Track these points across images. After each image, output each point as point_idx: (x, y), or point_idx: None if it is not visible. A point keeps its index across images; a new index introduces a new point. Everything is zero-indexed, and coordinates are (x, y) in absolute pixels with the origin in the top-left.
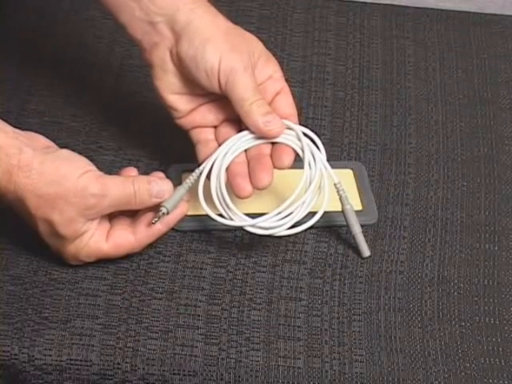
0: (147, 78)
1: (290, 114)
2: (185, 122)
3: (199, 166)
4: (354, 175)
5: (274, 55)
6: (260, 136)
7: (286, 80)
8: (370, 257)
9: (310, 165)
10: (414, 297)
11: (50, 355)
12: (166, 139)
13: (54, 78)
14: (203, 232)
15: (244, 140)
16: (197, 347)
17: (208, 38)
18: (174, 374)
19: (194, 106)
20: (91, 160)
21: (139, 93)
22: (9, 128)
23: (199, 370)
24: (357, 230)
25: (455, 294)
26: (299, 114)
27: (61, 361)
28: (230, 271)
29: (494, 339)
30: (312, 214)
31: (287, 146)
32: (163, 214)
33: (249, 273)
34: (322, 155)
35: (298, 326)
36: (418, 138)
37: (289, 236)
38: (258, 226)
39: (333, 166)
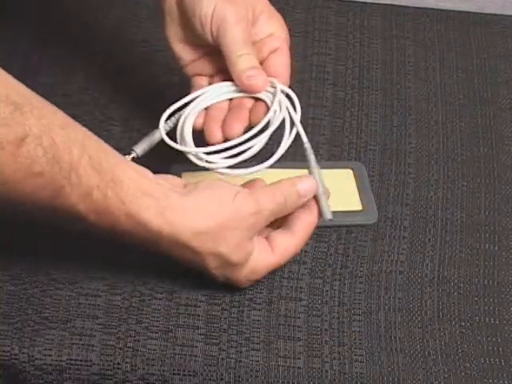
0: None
1: (280, 74)
2: (188, 69)
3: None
4: (354, 175)
5: None
6: (242, 89)
7: None
8: (370, 256)
9: (275, 112)
10: (414, 297)
11: (50, 355)
12: None
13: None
14: None
15: (226, 89)
16: (197, 347)
17: None
18: (173, 374)
19: (197, 57)
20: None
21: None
22: (149, 173)
23: (199, 370)
24: (320, 190)
25: (455, 293)
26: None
27: (61, 361)
28: None
29: (493, 339)
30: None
31: (265, 102)
32: (133, 157)
33: None
34: (296, 115)
35: (298, 326)
36: (418, 137)
37: (229, 176)
38: (199, 157)
39: (333, 166)
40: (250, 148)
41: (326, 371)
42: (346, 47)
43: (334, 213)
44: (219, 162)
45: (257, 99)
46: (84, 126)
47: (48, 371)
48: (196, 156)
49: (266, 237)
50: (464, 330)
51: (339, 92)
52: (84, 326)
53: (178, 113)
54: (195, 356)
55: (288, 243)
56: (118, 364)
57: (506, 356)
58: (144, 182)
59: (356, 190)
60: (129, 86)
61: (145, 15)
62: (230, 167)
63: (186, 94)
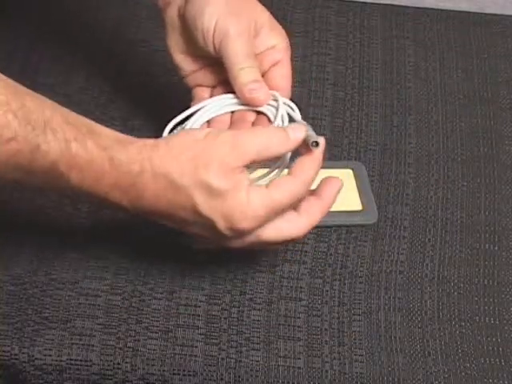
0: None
1: (281, 86)
2: (189, 80)
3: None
4: (354, 175)
5: None
6: (244, 102)
7: None
8: (370, 256)
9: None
10: (414, 297)
11: (50, 355)
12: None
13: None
14: None
15: (228, 101)
16: (197, 347)
17: (210, 0)
18: (174, 373)
19: (198, 67)
20: None
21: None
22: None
23: (199, 370)
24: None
25: (455, 293)
26: (300, 109)
27: (61, 361)
28: (230, 271)
29: (494, 339)
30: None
31: (266, 115)
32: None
33: (249, 273)
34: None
35: (298, 326)
36: (417, 138)
37: None
38: None
39: (333, 166)
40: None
41: (326, 371)
42: (346, 47)
43: (333, 213)
44: None
45: (259, 112)
46: None
47: (48, 371)
48: None
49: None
50: (464, 330)
51: (339, 92)
52: (84, 325)
53: (181, 126)
54: (195, 356)
55: (285, 181)
56: (118, 364)
57: (506, 356)
58: (120, 134)
59: (356, 190)
60: (129, 86)
61: (145, 15)
62: None
63: (188, 107)
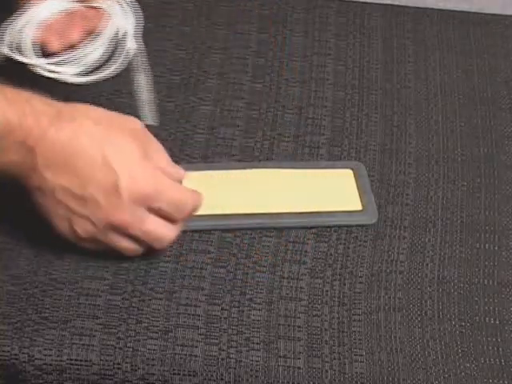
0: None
1: None
2: None
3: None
4: (354, 175)
5: (274, 55)
6: None
7: (286, 80)
8: (370, 256)
9: (112, 20)
10: (414, 297)
11: (50, 355)
12: (167, 139)
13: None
14: (203, 232)
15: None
16: (197, 347)
17: None
18: (173, 374)
19: None
20: None
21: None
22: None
23: (199, 370)
24: (144, 97)
25: (455, 293)
26: (300, 109)
27: (61, 361)
28: (230, 271)
29: (494, 339)
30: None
31: (99, 8)
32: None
33: (249, 273)
34: (129, 22)
35: (298, 326)
36: (417, 138)
37: (77, 85)
38: (44, 68)
39: (333, 166)
40: (90, 54)
41: (326, 371)
42: (346, 47)
43: (333, 213)
44: (63, 70)
45: (97, 8)
46: None
47: (48, 371)
48: (40, 67)
49: None
50: (464, 330)
51: (339, 92)
52: (84, 325)
53: (15, 27)
54: (195, 356)
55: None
56: (118, 364)
57: (506, 356)
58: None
59: (356, 190)
60: (128, 85)
61: (145, 15)
62: (75, 75)
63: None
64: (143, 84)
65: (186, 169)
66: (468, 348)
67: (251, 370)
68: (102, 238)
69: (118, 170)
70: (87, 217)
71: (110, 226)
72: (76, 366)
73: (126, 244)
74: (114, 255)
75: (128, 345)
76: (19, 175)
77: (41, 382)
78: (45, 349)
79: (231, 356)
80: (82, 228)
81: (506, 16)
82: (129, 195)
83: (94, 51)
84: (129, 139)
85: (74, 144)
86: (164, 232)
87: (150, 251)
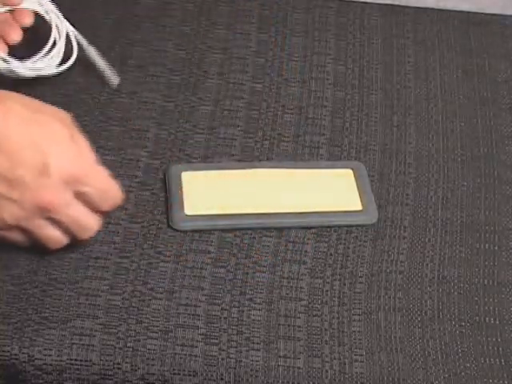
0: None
1: None
2: None
3: None
4: (354, 175)
5: (274, 55)
6: (5, 3)
7: (286, 80)
8: (370, 256)
9: (56, 25)
10: (414, 297)
11: (50, 355)
12: (167, 139)
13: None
14: (203, 232)
15: None
16: (197, 347)
17: None
18: (173, 373)
19: None
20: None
21: (139, 92)
22: None
23: (199, 370)
24: (101, 65)
25: (455, 293)
26: (300, 109)
27: (61, 361)
28: (230, 271)
29: (494, 339)
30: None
31: (28, 10)
32: None
33: (249, 273)
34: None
35: (298, 326)
36: (418, 138)
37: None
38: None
39: (333, 166)
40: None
41: (326, 371)
42: (346, 47)
43: (333, 213)
44: (46, 64)
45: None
46: (84, 126)
47: (48, 371)
48: (21, 69)
49: None
50: (464, 330)
51: (339, 92)
52: (84, 325)
53: None
54: (195, 356)
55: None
56: (118, 364)
57: (506, 356)
58: None
59: (356, 190)
60: (128, 85)
61: (145, 15)
62: (58, 66)
63: None
64: (94, 55)
65: (186, 169)
66: (468, 348)
67: (251, 370)
68: (28, 225)
69: (48, 149)
70: (15, 200)
71: (37, 208)
72: (76, 366)
73: (50, 232)
74: (114, 255)
75: (128, 345)
76: None
77: (41, 381)
78: (45, 349)
79: (231, 356)
80: (10, 212)
81: (506, 16)
82: (59, 175)
83: (59, 42)
84: (57, 122)
85: (1, 126)
86: (88, 220)
87: (73, 243)
